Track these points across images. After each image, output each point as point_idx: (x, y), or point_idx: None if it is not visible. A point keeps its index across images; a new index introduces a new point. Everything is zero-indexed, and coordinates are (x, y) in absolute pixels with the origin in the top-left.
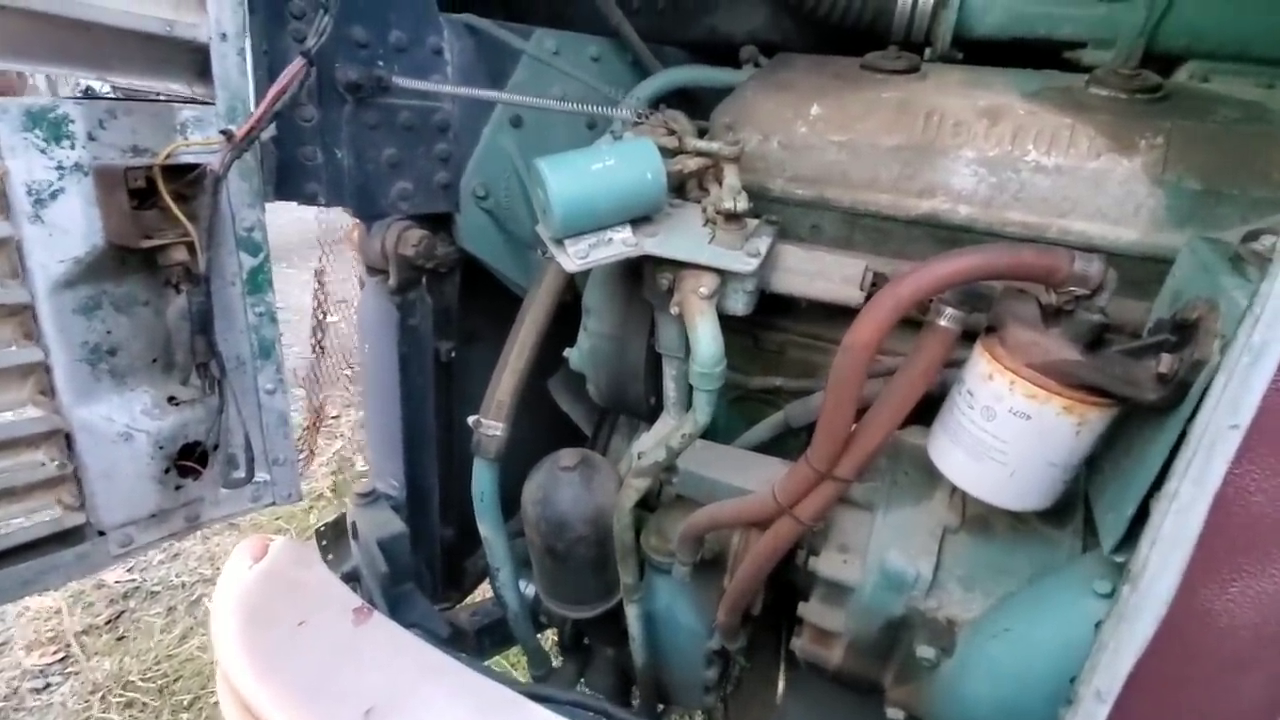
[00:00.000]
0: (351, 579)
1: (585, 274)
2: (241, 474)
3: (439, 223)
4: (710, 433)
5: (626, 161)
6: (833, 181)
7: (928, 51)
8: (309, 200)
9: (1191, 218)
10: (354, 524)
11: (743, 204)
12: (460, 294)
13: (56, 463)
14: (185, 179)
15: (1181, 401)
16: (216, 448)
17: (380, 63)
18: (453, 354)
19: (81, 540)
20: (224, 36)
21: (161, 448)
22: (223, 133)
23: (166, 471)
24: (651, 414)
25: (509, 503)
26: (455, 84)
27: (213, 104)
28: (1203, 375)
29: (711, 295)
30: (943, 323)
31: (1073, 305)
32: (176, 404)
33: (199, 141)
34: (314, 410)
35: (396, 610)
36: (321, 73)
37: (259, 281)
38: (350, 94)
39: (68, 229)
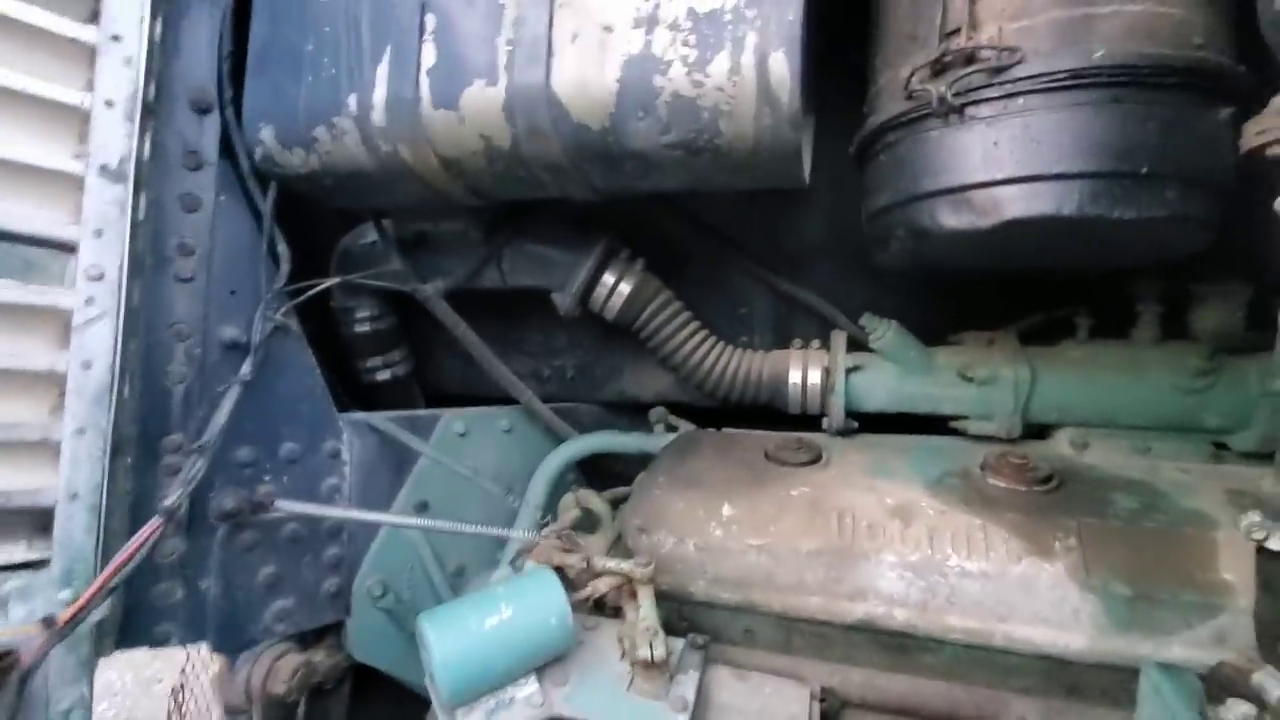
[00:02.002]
0: None
1: None
2: None
3: (323, 632)
4: None
5: (525, 608)
6: (758, 585)
7: (825, 420)
8: (158, 644)
9: (1132, 623)
10: None
11: (660, 650)
12: (351, 698)
13: None
14: None
15: None
16: None
17: (266, 478)
18: None
19: None
20: (74, 496)
21: None
22: (43, 621)
23: None
24: None
25: None
26: (357, 480)
27: (45, 566)
28: None
29: None
30: None
31: None
32: None
33: (11, 630)
34: None
35: None
36: (194, 502)
37: None
38: (225, 520)
39: None
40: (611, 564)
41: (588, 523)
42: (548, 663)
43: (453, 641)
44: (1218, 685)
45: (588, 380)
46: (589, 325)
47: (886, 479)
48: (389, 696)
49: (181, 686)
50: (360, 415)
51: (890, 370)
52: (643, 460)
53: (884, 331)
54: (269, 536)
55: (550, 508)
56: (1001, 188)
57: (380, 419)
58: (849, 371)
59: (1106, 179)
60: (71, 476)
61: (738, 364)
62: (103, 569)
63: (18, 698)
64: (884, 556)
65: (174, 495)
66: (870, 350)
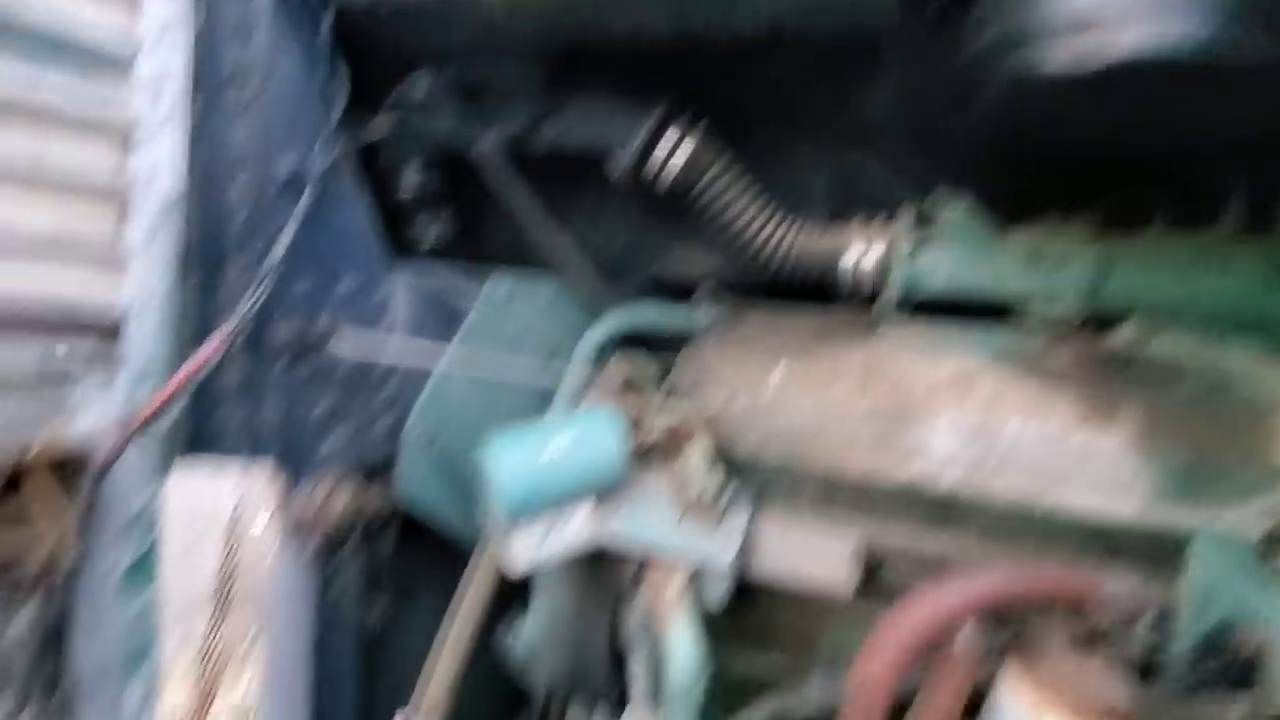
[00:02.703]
0: None
1: None
2: None
3: (375, 472)
4: None
5: (585, 442)
6: (806, 444)
7: (876, 303)
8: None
9: (1187, 494)
10: None
11: (714, 487)
12: (396, 545)
13: None
14: (67, 468)
15: None
16: None
17: (323, 315)
18: (379, 623)
19: None
20: (143, 305)
21: None
22: (119, 421)
23: None
24: (621, 699)
25: None
26: (405, 333)
27: (115, 374)
28: None
29: (685, 595)
30: (962, 649)
31: (1108, 631)
32: None
33: (87, 428)
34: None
35: None
36: (255, 329)
37: (140, 576)
38: (286, 351)
39: None
40: (665, 414)
41: (634, 387)
42: (600, 494)
43: (514, 461)
44: (1273, 541)
45: (632, 257)
46: (636, 198)
47: (945, 351)
48: (430, 542)
49: (242, 499)
50: (410, 267)
51: (956, 251)
52: (686, 340)
53: (955, 209)
54: (326, 371)
55: (594, 379)
56: (1119, 25)
57: (433, 269)
58: (912, 249)
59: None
60: (140, 287)
61: (794, 237)
62: (172, 379)
63: (93, 494)
64: (939, 420)
65: (241, 313)
66: (934, 231)
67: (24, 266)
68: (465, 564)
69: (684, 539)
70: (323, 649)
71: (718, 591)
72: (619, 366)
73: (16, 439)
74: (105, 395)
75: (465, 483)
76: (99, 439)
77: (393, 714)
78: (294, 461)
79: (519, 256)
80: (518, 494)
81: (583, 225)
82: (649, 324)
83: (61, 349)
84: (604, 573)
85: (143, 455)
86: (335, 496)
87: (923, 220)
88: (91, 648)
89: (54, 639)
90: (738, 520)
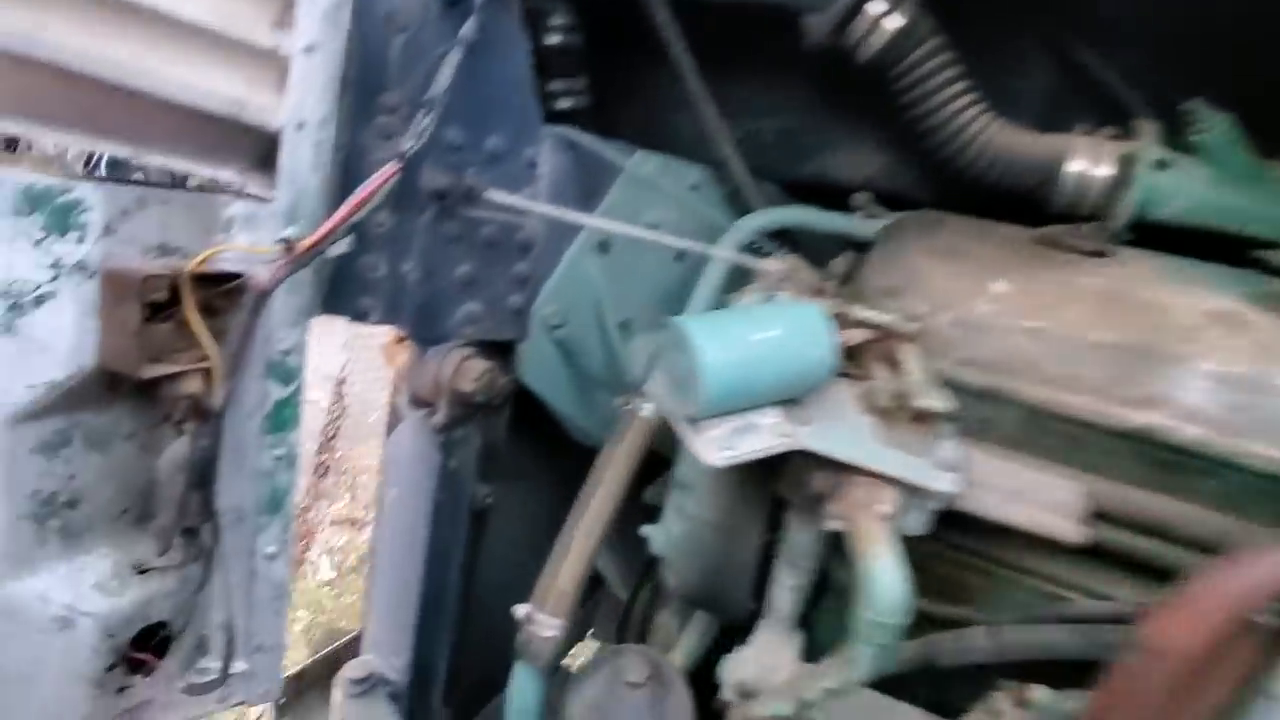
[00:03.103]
0: None
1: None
2: (213, 669)
3: (498, 351)
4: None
5: (793, 334)
6: (1017, 372)
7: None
8: (359, 317)
9: None
10: None
11: (940, 401)
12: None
13: None
14: (219, 289)
15: None
16: (183, 630)
17: (471, 169)
18: (489, 500)
19: None
20: (301, 125)
21: (111, 636)
22: (282, 240)
23: (110, 669)
24: (749, 619)
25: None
26: (547, 200)
27: (270, 200)
28: None
29: (894, 517)
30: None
31: None
32: (144, 573)
33: (249, 247)
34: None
35: None
36: (405, 175)
37: (284, 417)
38: (434, 202)
39: (49, 345)
40: (872, 314)
41: (803, 287)
42: (800, 394)
43: (720, 348)
44: None
45: (787, 151)
46: (804, 82)
47: (1195, 285)
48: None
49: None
50: (559, 128)
51: (1204, 174)
52: (836, 249)
53: (1214, 124)
54: (469, 232)
55: (734, 280)
56: None
57: (580, 135)
58: (1156, 164)
59: None
60: (300, 100)
61: (1007, 138)
62: (338, 210)
63: (252, 321)
64: (1197, 364)
65: (409, 141)
66: (1181, 148)
67: (178, 65)
68: (570, 453)
69: (902, 459)
70: (437, 518)
71: (920, 519)
72: (780, 264)
73: (170, 255)
74: (257, 220)
75: (587, 372)
76: (252, 266)
77: (485, 595)
78: (428, 324)
79: (656, 137)
80: (723, 383)
81: (733, 110)
82: (802, 224)
83: (215, 163)
84: (761, 481)
85: (293, 291)
86: (464, 369)
87: (1167, 134)
88: (232, 487)
89: (203, 473)
90: (950, 445)
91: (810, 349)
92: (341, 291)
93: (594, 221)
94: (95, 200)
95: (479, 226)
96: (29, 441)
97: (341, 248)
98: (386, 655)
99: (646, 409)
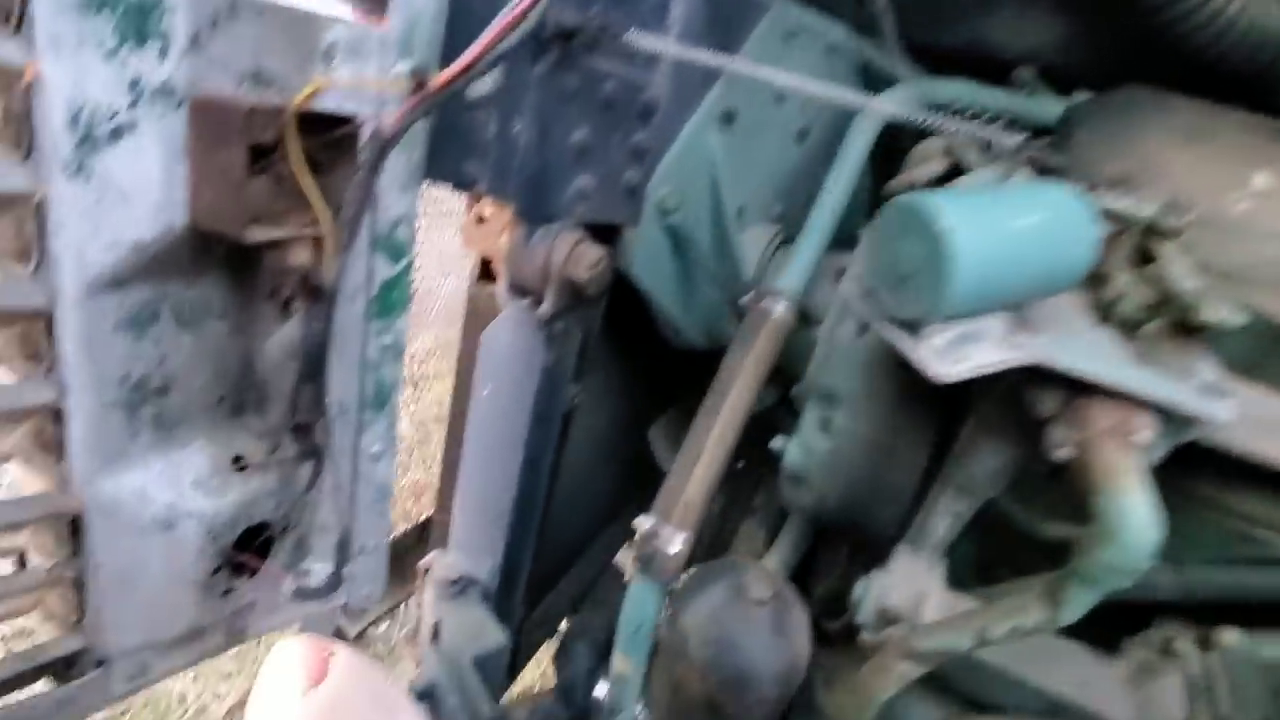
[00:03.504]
0: (426, 697)
1: (806, 340)
2: (323, 572)
3: (607, 233)
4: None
5: (1055, 222)
6: (1269, 286)
7: None
8: (463, 185)
9: None
10: (436, 624)
11: (1228, 313)
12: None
13: (52, 562)
14: (324, 136)
15: None
16: (285, 530)
17: (596, 5)
18: (576, 401)
19: (72, 674)
20: None
21: (215, 537)
22: (413, 74)
23: (215, 572)
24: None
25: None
26: (674, 61)
27: (380, 27)
28: None
29: (1149, 447)
30: None
31: None
32: (243, 471)
33: (368, 81)
34: None
35: None
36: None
37: (392, 300)
38: (559, 45)
39: (131, 195)
40: (1128, 205)
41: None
42: (1055, 292)
43: (974, 235)
44: None
45: (939, 13)
46: None
47: None
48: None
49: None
50: None
51: None
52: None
53: None
54: (589, 89)
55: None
56: None
57: None
58: None
59: None
60: None
61: (1264, 9)
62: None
63: (371, 177)
64: None
65: None
66: None
67: None
68: (638, 354)
69: (1158, 377)
70: (536, 419)
71: (1165, 448)
72: (933, 152)
73: (265, 87)
74: (363, 49)
75: (695, 265)
76: (365, 108)
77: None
78: (537, 199)
79: None
80: (974, 279)
81: None
82: (954, 100)
83: None
84: (932, 398)
85: (404, 149)
86: (577, 254)
87: None
88: (335, 380)
89: (315, 363)
90: (1209, 362)
91: (1072, 243)
92: (443, 153)
93: (741, 67)
94: (180, 1)
95: (600, 82)
96: (112, 316)
97: (486, 85)
98: (475, 556)
99: (780, 308)
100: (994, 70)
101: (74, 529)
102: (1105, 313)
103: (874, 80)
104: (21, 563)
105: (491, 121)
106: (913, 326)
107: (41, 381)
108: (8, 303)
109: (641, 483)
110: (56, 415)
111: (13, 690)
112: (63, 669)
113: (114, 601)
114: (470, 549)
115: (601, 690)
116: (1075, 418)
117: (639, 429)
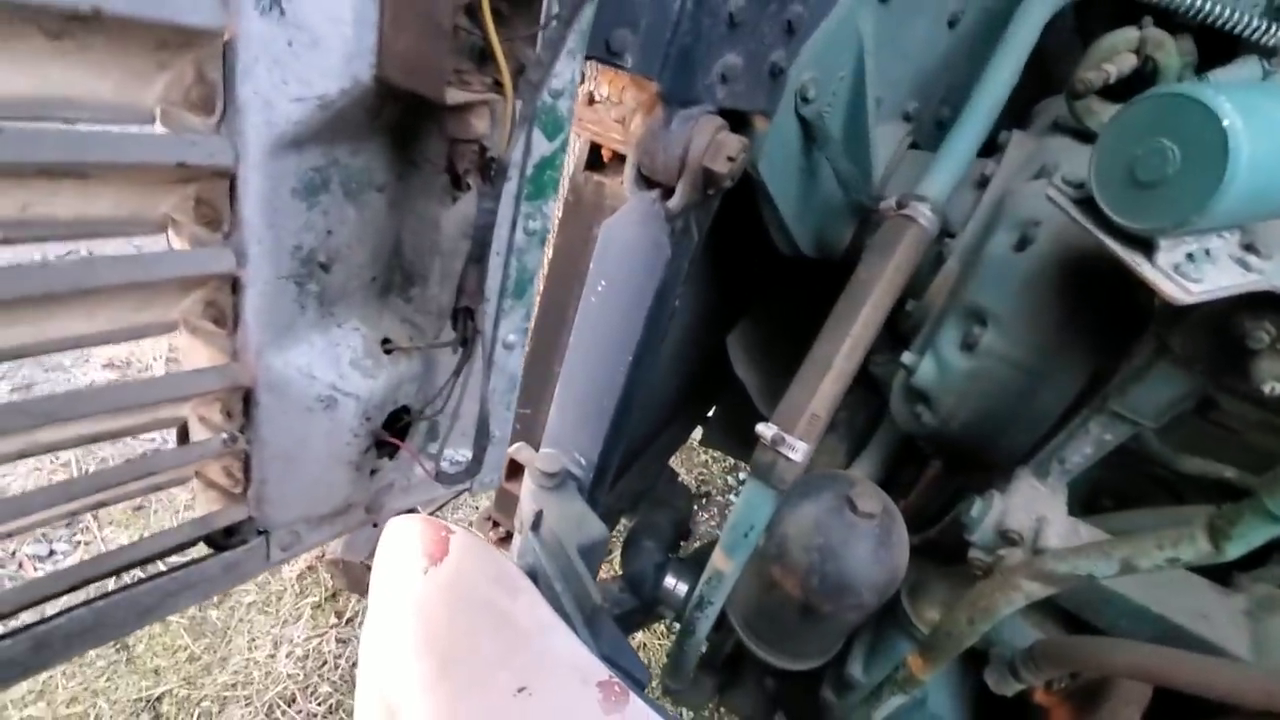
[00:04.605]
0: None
1: (935, 256)
2: (460, 458)
3: (742, 122)
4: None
5: None
6: None
7: None
8: (611, 57)
9: None
10: (538, 513)
11: None
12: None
13: (223, 435)
14: None
15: None
16: (421, 414)
17: None
18: (678, 301)
19: (236, 542)
20: None
21: (369, 419)
22: None
23: (366, 452)
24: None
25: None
26: None
27: None
28: None
29: None
30: None
31: None
32: (390, 353)
33: None
34: None
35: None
36: None
37: (544, 181)
38: None
39: (322, 41)
40: None
41: (1137, 83)
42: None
43: (1260, 134)
44: None
45: None
46: None
47: None
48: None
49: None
50: None
51: None
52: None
53: None
54: None
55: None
56: None
57: None
58: None
59: None
60: None
61: None
62: None
63: (564, 33)
64: None
65: None
66: None
67: None
68: (740, 258)
69: None
70: (654, 316)
71: None
72: (1124, 44)
73: None
74: None
75: (824, 163)
76: None
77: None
78: (683, 77)
79: None
80: (1249, 187)
81: None
82: None
83: None
84: (1102, 323)
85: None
86: (718, 143)
87: None
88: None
89: (484, 245)
90: None
91: None
92: (597, 19)
93: None
94: None
95: None
96: (291, 179)
97: None
98: (573, 452)
99: (925, 216)
100: None
101: (245, 403)
102: None
103: None
104: (183, 435)
105: None
106: (1143, 240)
107: (221, 247)
108: (194, 157)
109: (699, 388)
110: (234, 285)
111: (178, 553)
112: (222, 537)
113: (278, 475)
114: (570, 444)
115: (670, 582)
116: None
117: (708, 334)
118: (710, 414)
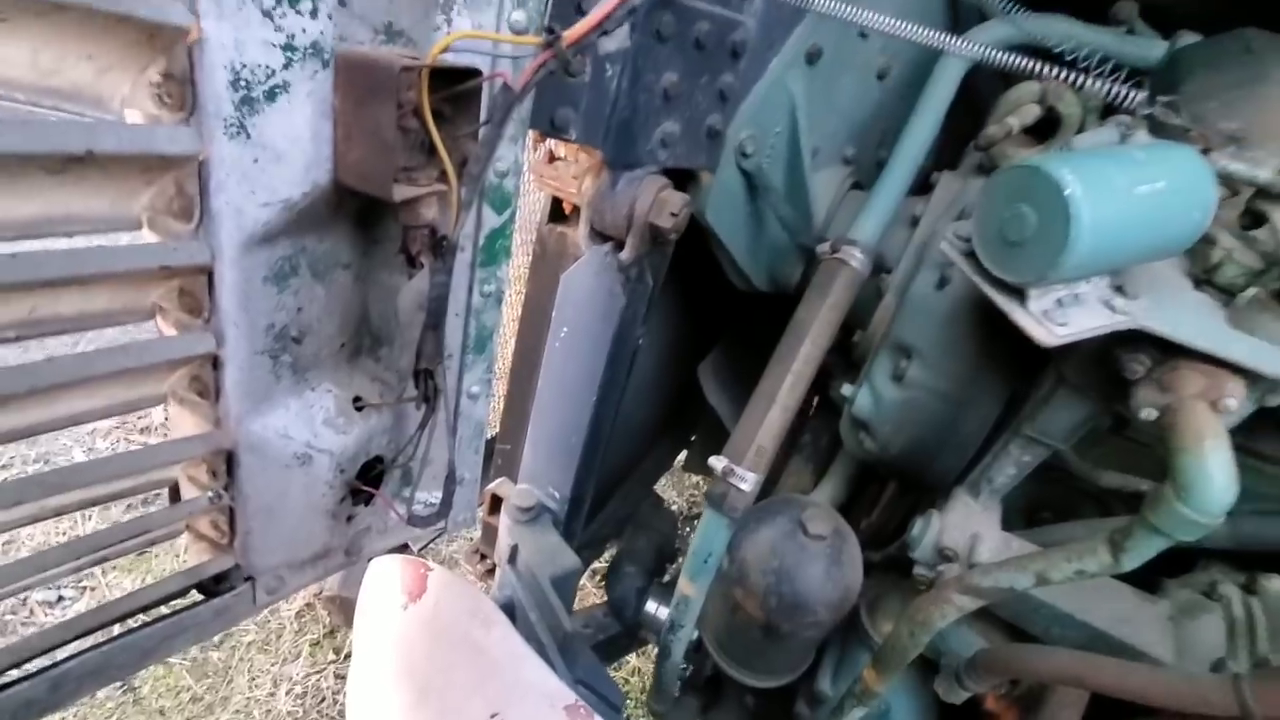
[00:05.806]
0: (506, 612)
1: (875, 290)
2: (430, 502)
3: (685, 179)
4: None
5: (1178, 187)
6: None
7: None
8: (556, 132)
9: None
10: (514, 546)
11: None
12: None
13: (209, 493)
14: (448, 91)
15: None
16: (394, 463)
17: None
18: (640, 341)
19: (225, 589)
20: None
21: (342, 470)
22: (547, 30)
23: (342, 500)
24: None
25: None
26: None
27: None
28: None
29: (1236, 411)
30: None
31: None
32: (361, 410)
33: (503, 35)
34: None
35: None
36: None
37: (496, 250)
38: None
39: (284, 154)
40: (1239, 167)
41: (1044, 129)
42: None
43: (1100, 199)
44: None
45: None
46: None
47: None
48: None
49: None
50: None
51: None
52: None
53: None
54: (683, 30)
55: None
56: None
57: None
58: None
59: None
60: None
61: None
62: None
63: (497, 133)
64: None
65: None
66: None
67: None
68: (706, 292)
69: (1256, 345)
70: (613, 360)
71: (1249, 411)
72: (1027, 97)
73: (395, 40)
74: (484, 7)
75: (767, 209)
76: (515, 54)
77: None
78: (625, 145)
79: None
80: (1096, 243)
81: None
82: (1054, 39)
83: None
84: (1010, 355)
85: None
86: (662, 200)
87: None
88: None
89: (438, 313)
90: None
91: (1190, 209)
92: (542, 102)
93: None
94: None
95: (694, 22)
96: (262, 269)
97: (617, 41)
98: (547, 487)
99: (857, 258)
100: (1092, 6)
101: (228, 464)
102: (1203, 277)
103: (963, 16)
104: (175, 493)
105: (589, 67)
106: (1015, 289)
107: (202, 332)
108: (176, 260)
109: (678, 415)
110: (214, 362)
111: (173, 600)
112: (212, 584)
113: (260, 527)
114: (542, 480)
115: (651, 607)
116: (1165, 381)
117: (681, 364)
118: (693, 439)
